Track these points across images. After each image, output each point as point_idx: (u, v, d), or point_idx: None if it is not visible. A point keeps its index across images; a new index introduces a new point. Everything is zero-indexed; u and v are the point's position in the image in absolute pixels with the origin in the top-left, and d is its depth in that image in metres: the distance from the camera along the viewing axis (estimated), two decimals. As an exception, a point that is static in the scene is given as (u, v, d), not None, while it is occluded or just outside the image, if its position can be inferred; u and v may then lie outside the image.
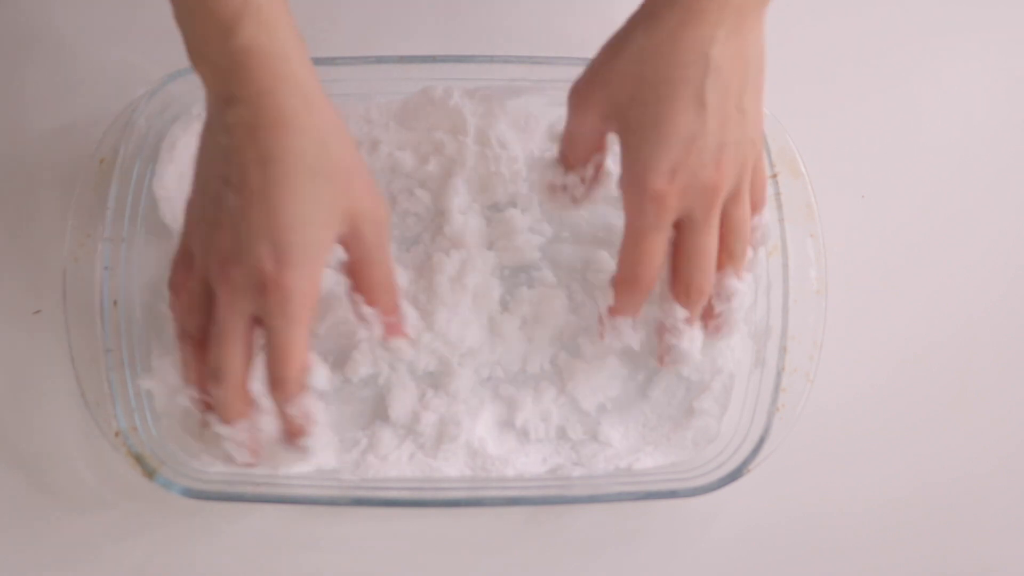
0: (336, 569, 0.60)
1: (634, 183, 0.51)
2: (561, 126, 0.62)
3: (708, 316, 0.57)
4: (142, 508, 0.60)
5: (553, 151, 0.58)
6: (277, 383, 0.50)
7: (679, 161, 0.50)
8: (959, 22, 0.71)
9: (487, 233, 0.63)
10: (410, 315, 0.56)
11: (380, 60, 0.62)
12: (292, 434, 0.52)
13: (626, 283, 0.54)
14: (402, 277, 0.58)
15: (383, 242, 0.53)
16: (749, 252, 0.56)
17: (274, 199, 0.48)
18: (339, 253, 0.53)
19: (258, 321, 0.50)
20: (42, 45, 0.67)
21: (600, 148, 0.55)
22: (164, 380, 0.55)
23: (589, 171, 0.56)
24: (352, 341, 0.60)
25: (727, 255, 0.55)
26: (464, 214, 0.62)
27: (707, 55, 0.49)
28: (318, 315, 0.60)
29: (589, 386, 0.61)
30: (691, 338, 0.56)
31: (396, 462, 0.59)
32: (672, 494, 0.57)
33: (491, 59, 0.61)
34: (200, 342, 0.52)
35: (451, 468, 0.59)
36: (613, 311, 0.56)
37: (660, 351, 0.58)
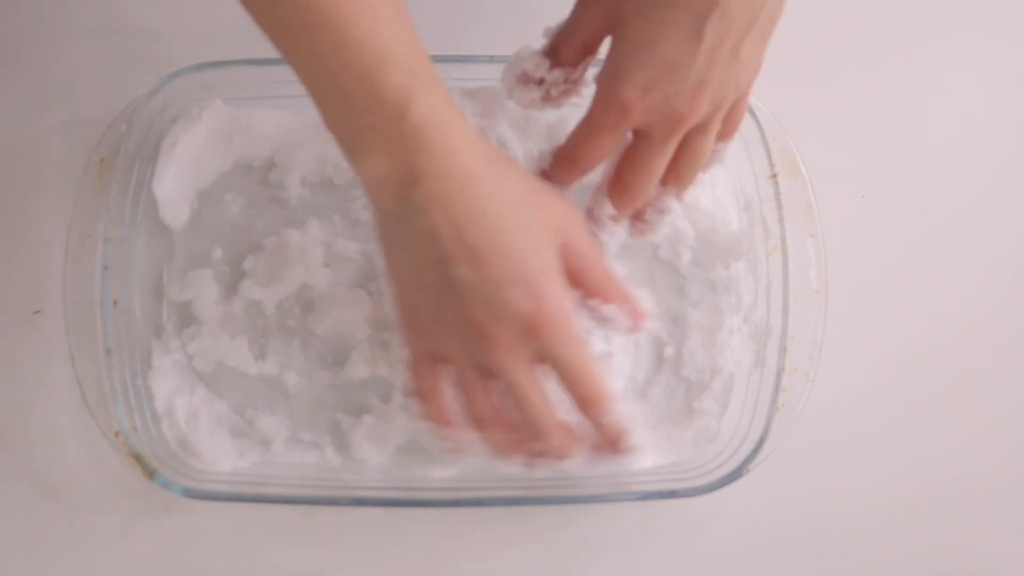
0: (336, 569, 0.60)
1: (607, 85, 0.51)
2: (562, 126, 0.62)
3: (637, 218, 0.57)
4: (142, 508, 0.60)
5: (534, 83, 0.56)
6: (589, 402, 0.51)
7: (655, 82, 0.50)
8: (959, 22, 0.71)
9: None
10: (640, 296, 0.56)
11: (380, 60, 0.62)
12: (614, 442, 0.52)
13: (564, 158, 0.55)
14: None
15: (592, 241, 0.54)
16: (700, 175, 0.56)
17: (501, 247, 0.48)
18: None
19: (539, 360, 0.50)
20: (42, 45, 0.67)
21: (593, 51, 0.55)
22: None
23: (577, 72, 0.55)
24: (351, 341, 0.60)
25: (675, 176, 0.55)
26: (464, 214, 0.62)
27: None
28: (319, 315, 0.60)
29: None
30: (611, 233, 0.56)
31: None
32: (672, 494, 0.57)
33: (491, 59, 0.61)
34: (484, 419, 0.52)
35: (452, 468, 0.59)
36: (544, 175, 0.56)
37: None
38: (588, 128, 0.53)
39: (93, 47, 0.66)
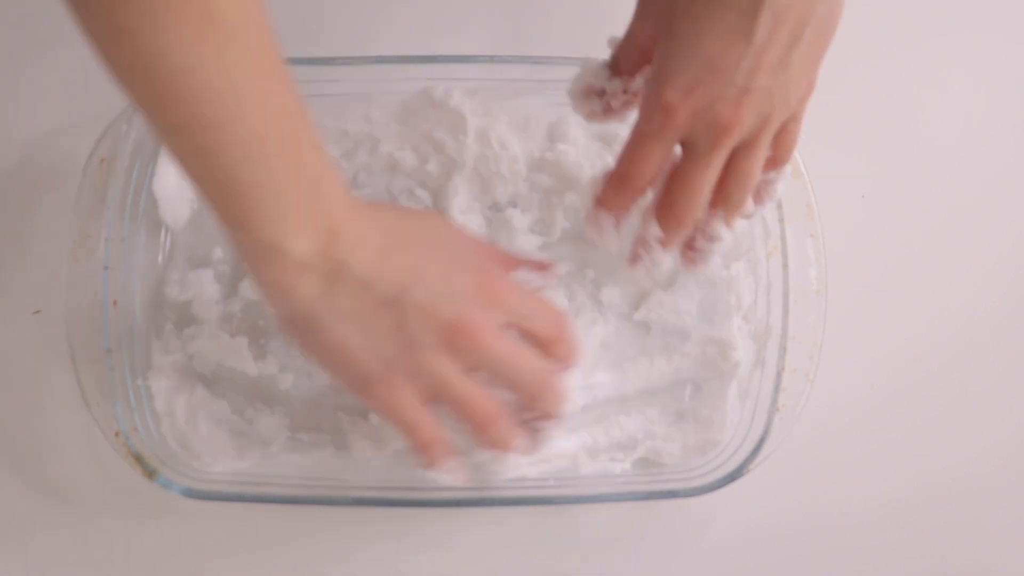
0: (336, 569, 0.60)
1: (652, 88, 0.51)
2: (562, 126, 0.62)
3: (688, 247, 0.56)
4: (142, 508, 0.60)
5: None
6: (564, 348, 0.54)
7: (698, 82, 0.49)
8: (959, 22, 0.71)
9: (487, 233, 0.62)
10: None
11: (380, 60, 0.62)
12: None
13: (616, 178, 0.54)
14: None
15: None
16: (749, 204, 0.55)
17: (435, 278, 0.51)
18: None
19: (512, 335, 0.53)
20: (42, 45, 0.67)
21: (649, 59, 0.53)
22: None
23: (637, 83, 0.55)
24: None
25: (723, 199, 0.53)
26: (464, 214, 0.62)
27: None
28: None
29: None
30: (658, 259, 0.55)
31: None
32: (672, 494, 0.57)
33: (491, 59, 0.61)
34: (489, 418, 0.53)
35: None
36: (598, 202, 0.55)
37: (631, 255, 0.57)
38: (635, 139, 0.52)
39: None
